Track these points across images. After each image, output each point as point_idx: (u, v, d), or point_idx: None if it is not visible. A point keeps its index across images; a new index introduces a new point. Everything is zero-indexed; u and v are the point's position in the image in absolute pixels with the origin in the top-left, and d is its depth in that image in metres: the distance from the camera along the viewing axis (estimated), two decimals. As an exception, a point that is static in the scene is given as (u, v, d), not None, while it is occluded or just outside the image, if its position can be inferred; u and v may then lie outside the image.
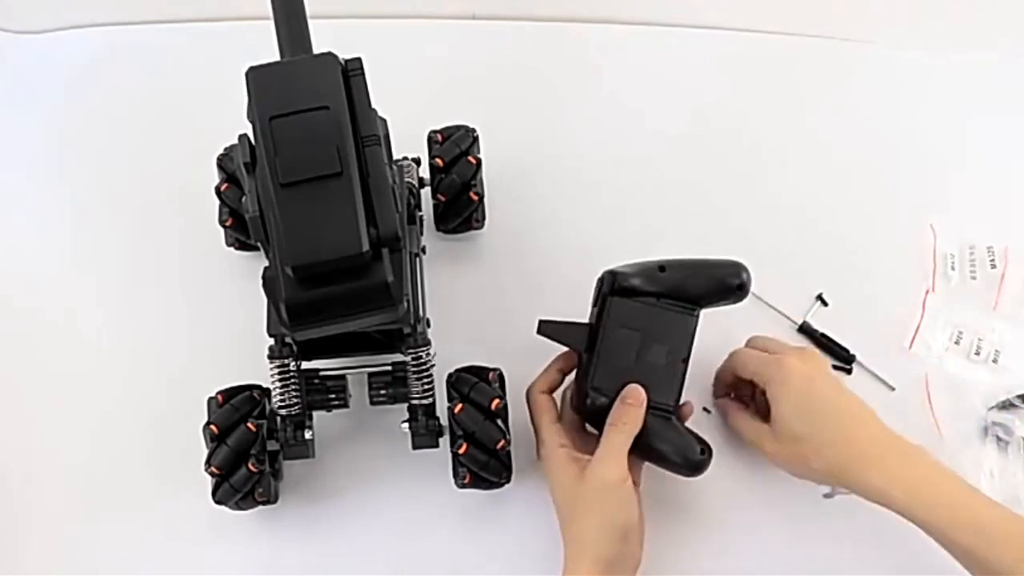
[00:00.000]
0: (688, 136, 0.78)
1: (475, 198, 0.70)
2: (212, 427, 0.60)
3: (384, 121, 0.55)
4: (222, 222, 0.69)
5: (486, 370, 0.64)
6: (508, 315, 0.70)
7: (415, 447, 0.62)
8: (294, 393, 0.62)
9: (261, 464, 0.60)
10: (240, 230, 0.69)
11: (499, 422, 0.62)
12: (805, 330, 0.71)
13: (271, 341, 0.61)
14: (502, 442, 0.61)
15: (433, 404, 0.63)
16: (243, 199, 0.52)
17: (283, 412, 0.61)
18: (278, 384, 0.61)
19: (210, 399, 0.62)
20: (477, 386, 0.62)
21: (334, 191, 0.49)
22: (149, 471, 0.67)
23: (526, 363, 0.66)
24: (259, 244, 0.51)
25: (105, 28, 0.82)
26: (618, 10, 0.82)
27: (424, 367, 0.62)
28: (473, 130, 0.71)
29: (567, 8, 0.82)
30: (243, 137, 0.52)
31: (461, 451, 0.61)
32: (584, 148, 0.77)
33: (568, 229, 0.74)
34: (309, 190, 0.49)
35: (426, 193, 0.70)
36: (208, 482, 0.61)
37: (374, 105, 0.52)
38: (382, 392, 0.63)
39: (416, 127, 0.70)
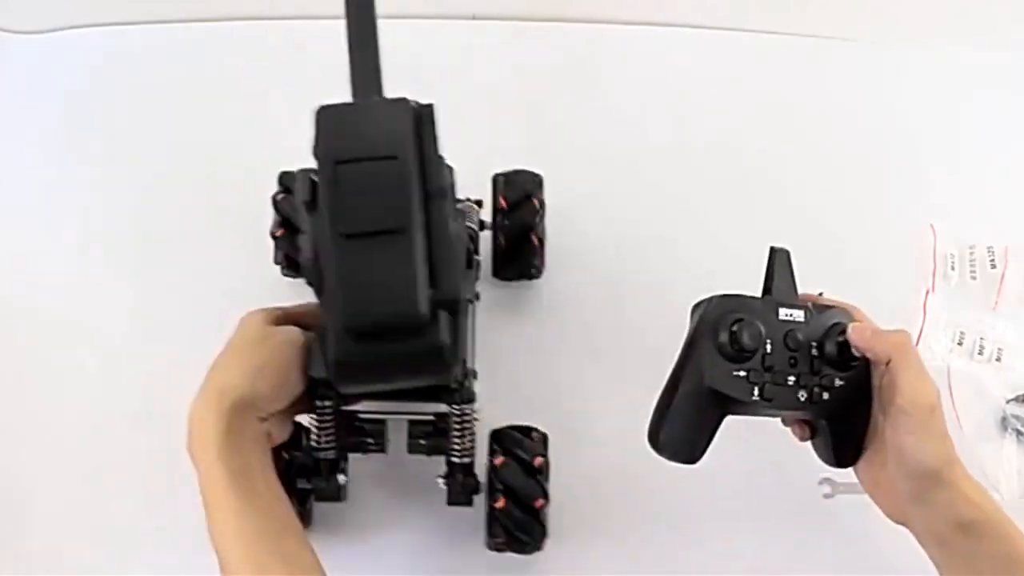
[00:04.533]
0: (688, 136, 0.78)
1: (536, 243, 0.68)
2: None
3: (451, 169, 0.53)
4: (272, 234, 0.67)
5: (531, 430, 0.62)
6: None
7: (450, 503, 0.61)
8: (332, 435, 0.59)
9: (291, 494, 0.57)
10: (293, 247, 0.66)
11: (540, 480, 0.60)
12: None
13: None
14: (541, 501, 0.59)
15: (472, 463, 0.60)
16: (300, 237, 0.50)
17: (320, 454, 0.59)
18: (316, 425, 0.58)
19: None
20: (521, 442, 0.60)
21: (396, 248, 0.47)
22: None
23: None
24: (312, 287, 0.49)
25: (105, 28, 0.82)
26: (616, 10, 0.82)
27: (467, 423, 0.59)
28: (538, 174, 0.69)
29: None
30: (305, 174, 0.50)
31: (498, 505, 0.59)
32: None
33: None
34: (370, 244, 0.47)
35: (485, 236, 0.68)
36: None
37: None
38: (421, 442, 0.61)
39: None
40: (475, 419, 0.59)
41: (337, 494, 0.60)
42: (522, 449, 0.60)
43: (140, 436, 0.67)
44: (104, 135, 0.78)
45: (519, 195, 0.68)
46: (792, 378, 0.54)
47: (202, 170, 0.76)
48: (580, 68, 0.81)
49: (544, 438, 0.62)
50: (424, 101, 0.51)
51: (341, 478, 0.60)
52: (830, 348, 0.54)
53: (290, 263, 0.67)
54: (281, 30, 0.82)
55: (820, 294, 0.71)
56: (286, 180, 0.66)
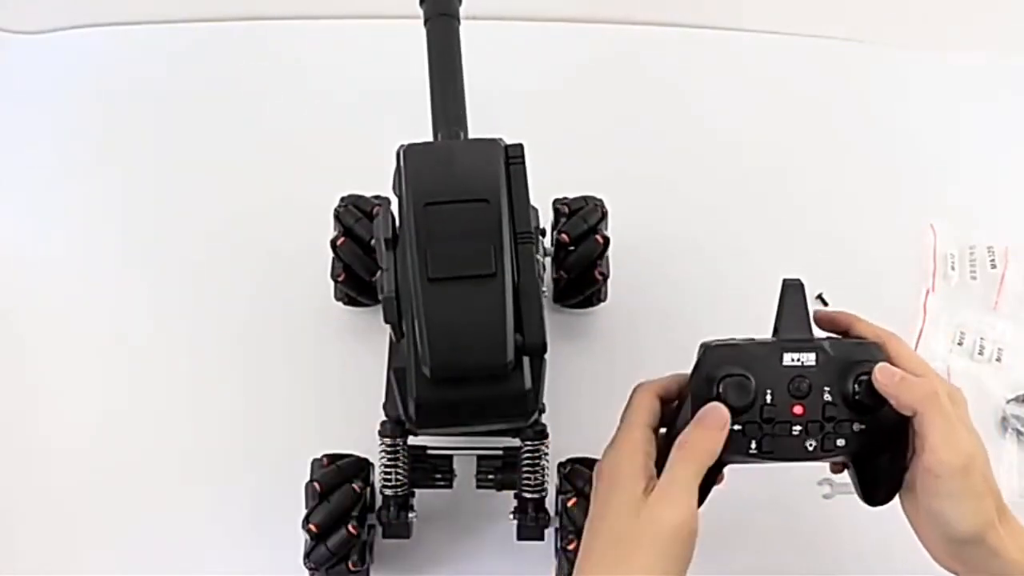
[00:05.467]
0: (686, 136, 0.78)
1: (599, 278, 0.66)
2: (316, 484, 0.57)
3: (536, 211, 0.52)
4: (334, 276, 0.65)
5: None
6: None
7: (520, 538, 0.59)
8: (401, 473, 0.57)
9: (361, 528, 0.57)
10: (352, 286, 0.65)
11: None
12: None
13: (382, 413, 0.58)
14: None
15: (544, 498, 0.58)
16: (378, 274, 0.50)
17: (388, 492, 0.58)
18: (386, 463, 0.57)
19: (315, 460, 0.59)
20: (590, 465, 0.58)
21: (484, 293, 0.47)
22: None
23: None
24: (390, 325, 0.49)
25: (105, 28, 0.82)
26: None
27: (539, 458, 0.58)
28: (601, 203, 0.67)
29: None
30: (386, 210, 0.50)
31: (571, 547, 0.56)
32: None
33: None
34: (458, 288, 0.47)
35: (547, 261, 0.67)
36: (300, 543, 0.58)
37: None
38: (490, 477, 0.59)
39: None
40: (546, 453, 0.58)
41: (406, 531, 0.59)
42: None
43: (140, 436, 0.67)
44: (104, 135, 0.77)
45: (582, 229, 0.65)
46: (798, 427, 0.51)
47: (203, 170, 0.76)
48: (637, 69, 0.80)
49: None
50: (512, 141, 0.50)
51: (411, 515, 0.58)
52: (848, 391, 0.50)
53: (351, 301, 0.67)
54: (282, 30, 0.82)
55: (819, 296, 0.72)
56: (344, 218, 0.65)
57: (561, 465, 0.60)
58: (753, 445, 0.51)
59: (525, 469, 0.58)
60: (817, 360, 0.51)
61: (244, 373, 0.68)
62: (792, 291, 0.53)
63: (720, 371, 0.50)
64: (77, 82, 0.80)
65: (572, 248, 0.65)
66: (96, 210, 0.75)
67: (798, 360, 0.51)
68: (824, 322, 0.55)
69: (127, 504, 0.65)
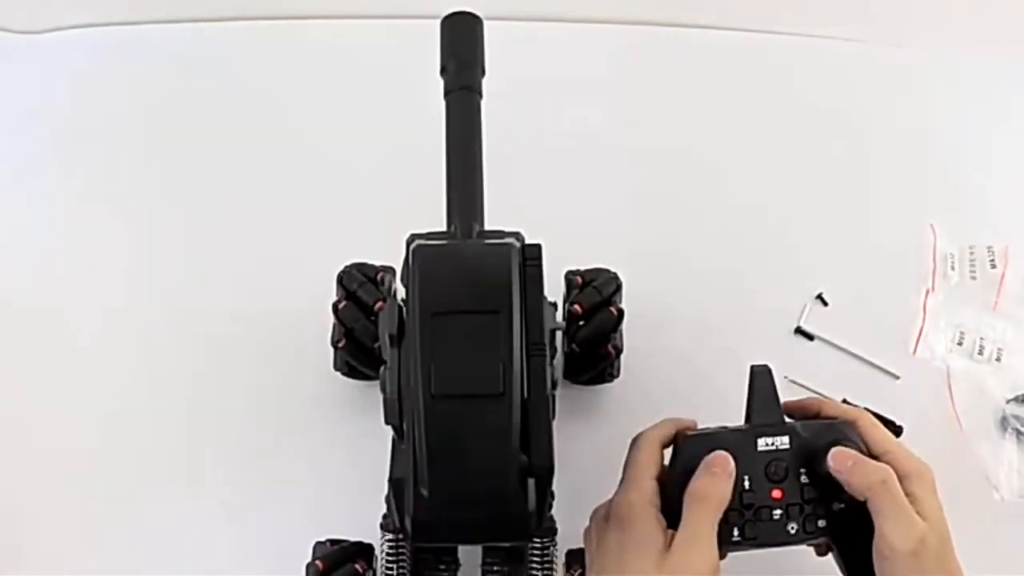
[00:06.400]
0: (684, 136, 0.78)
1: (612, 352, 0.62)
2: (318, 563, 0.54)
3: (555, 306, 0.51)
4: (334, 343, 0.62)
5: None
6: None
7: None
8: (404, 566, 0.55)
9: None
10: (354, 355, 0.62)
11: None
12: (801, 331, 0.71)
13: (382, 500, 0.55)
14: None
15: None
16: (382, 370, 0.48)
17: None
18: (389, 557, 0.54)
19: (317, 543, 0.57)
20: None
21: (491, 414, 0.44)
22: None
23: None
24: (392, 427, 0.47)
25: (105, 28, 0.82)
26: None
27: (548, 553, 0.55)
28: (616, 276, 0.64)
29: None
30: (392, 303, 0.48)
31: None
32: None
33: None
34: (462, 406, 0.45)
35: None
36: None
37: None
38: (495, 569, 0.56)
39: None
40: (555, 548, 0.55)
41: None
42: None
43: (140, 438, 0.67)
44: (104, 135, 0.77)
45: (596, 300, 0.62)
46: (778, 512, 0.50)
47: (203, 169, 0.76)
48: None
49: None
50: (530, 242, 0.48)
51: None
52: (823, 472, 0.50)
53: (351, 370, 0.64)
54: (282, 30, 0.82)
55: (819, 296, 0.72)
56: (347, 282, 0.62)
57: (570, 554, 0.57)
58: (736, 532, 0.50)
59: (533, 566, 0.55)
60: (791, 443, 0.51)
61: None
62: (760, 377, 0.53)
63: (696, 461, 0.50)
64: (77, 82, 0.80)
65: (584, 321, 0.61)
66: (96, 210, 0.74)
67: (772, 444, 0.51)
68: (794, 411, 0.55)
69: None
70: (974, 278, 0.73)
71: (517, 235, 0.50)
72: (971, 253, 0.74)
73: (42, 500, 0.65)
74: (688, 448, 0.51)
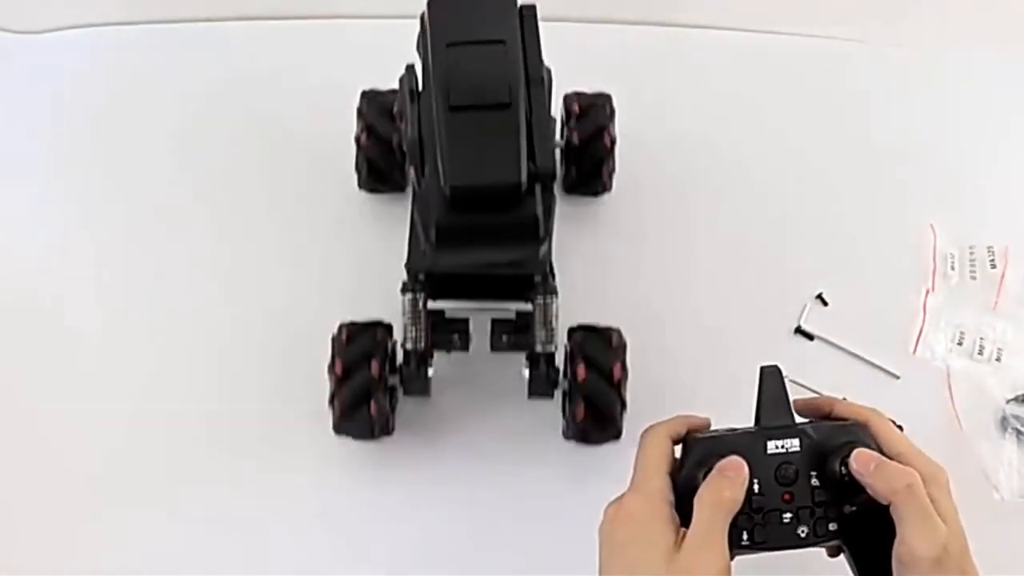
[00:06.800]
0: (683, 136, 0.78)
1: (606, 175, 0.71)
2: (336, 368, 0.61)
3: (549, 71, 0.57)
4: (358, 168, 0.71)
5: (608, 330, 0.63)
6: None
7: (531, 394, 0.63)
8: (422, 328, 0.62)
9: (383, 408, 0.61)
10: (375, 179, 0.71)
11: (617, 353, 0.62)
12: (802, 331, 0.71)
13: (401, 277, 0.62)
14: (618, 365, 0.61)
15: (554, 354, 0.63)
16: (402, 125, 0.54)
17: (409, 346, 0.62)
18: (408, 317, 0.62)
19: (334, 337, 0.62)
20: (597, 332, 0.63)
21: (500, 121, 0.51)
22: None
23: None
24: (413, 168, 0.53)
25: (105, 28, 0.82)
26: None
27: (549, 315, 0.62)
28: (610, 100, 0.71)
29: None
30: (411, 67, 0.55)
31: (580, 378, 0.60)
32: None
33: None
34: (476, 117, 0.51)
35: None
36: (328, 415, 0.62)
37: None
38: (504, 338, 0.64)
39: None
40: (557, 311, 0.62)
41: (426, 387, 0.63)
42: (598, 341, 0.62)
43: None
44: (105, 135, 0.77)
45: (591, 130, 0.70)
46: (788, 515, 0.49)
47: (203, 169, 0.76)
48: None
49: (619, 333, 0.63)
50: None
51: (430, 371, 0.63)
52: (834, 474, 0.49)
53: (371, 169, 0.71)
54: (282, 30, 0.82)
55: (819, 296, 0.72)
56: (369, 95, 0.71)
57: (571, 330, 0.63)
58: (745, 536, 0.49)
59: (537, 326, 0.62)
60: (801, 445, 0.50)
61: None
62: (770, 377, 0.52)
63: (706, 465, 0.49)
64: (77, 82, 0.80)
65: (582, 148, 0.70)
66: (95, 210, 0.74)
67: (782, 447, 0.50)
68: (805, 410, 0.54)
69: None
70: (974, 278, 0.73)
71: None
72: (971, 253, 0.74)
73: (42, 500, 0.65)
74: (697, 451, 0.51)
